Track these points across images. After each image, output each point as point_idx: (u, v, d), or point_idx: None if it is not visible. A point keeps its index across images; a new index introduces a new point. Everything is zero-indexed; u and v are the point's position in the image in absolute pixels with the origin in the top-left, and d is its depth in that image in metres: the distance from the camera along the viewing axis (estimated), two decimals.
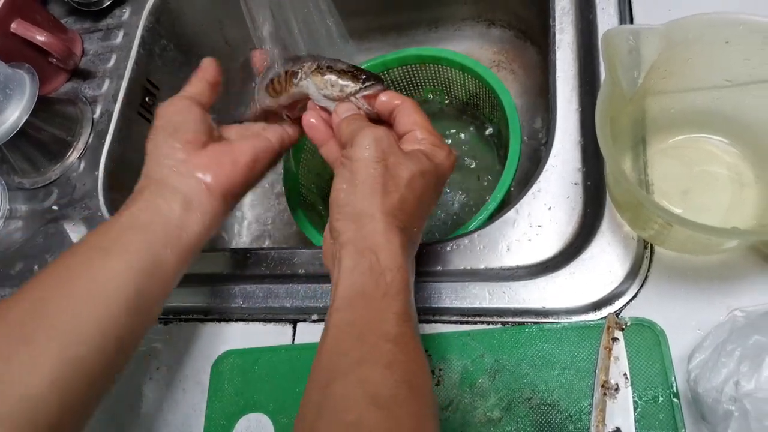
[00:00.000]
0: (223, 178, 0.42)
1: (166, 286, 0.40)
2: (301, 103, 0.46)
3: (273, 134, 0.47)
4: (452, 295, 0.45)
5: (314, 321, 0.49)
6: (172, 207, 0.40)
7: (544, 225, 0.45)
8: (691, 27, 0.38)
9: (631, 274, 0.41)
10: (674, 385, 0.38)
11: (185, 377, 0.50)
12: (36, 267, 0.59)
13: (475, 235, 0.46)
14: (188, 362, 0.51)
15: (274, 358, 0.48)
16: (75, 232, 0.59)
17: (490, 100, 0.62)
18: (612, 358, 0.39)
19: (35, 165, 0.63)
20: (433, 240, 0.48)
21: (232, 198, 0.44)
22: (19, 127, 0.57)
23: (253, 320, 0.51)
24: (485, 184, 0.68)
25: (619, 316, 0.41)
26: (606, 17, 0.50)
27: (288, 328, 0.50)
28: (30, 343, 0.34)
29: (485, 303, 0.44)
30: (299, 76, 0.44)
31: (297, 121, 0.48)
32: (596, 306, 0.42)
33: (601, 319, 0.41)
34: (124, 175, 0.64)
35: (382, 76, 0.67)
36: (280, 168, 0.64)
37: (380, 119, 0.43)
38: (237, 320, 0.51)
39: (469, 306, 0.45)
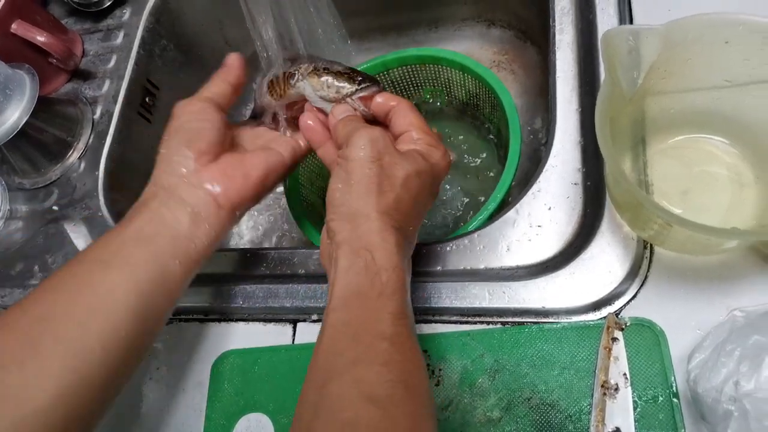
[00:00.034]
0: (233, 192, 0.42)
1: (173, 297, 0.40)
2: (298, 104, 0.46)
3: (285, 147, 0.46)
4: (452, 295, 0.45)
5: (314, 321, 0.49)
6: (180, 219, 0.40)
7: (544, 225, 0.45)
8: (691, 27, 0.38)
9: (631, 275, 0.41)
10: (674, 385, 0.38)
11: (185, 377, 0.50)
12: (36, 267, 0.59)
13: (475, 235, 0.46)
14: (188, 362, 0.51)
15: (274, 358, 0.48)
16: (75, 232, 0.59)
17: (490, 101, 0.62)
18: (612, 358, 0.39)
19: (35, 165, 0.63)
20: (433, 240, 0.48)
21: (240, 210, 0.43)
22: (20, 127, 0.57)
23: (253, 320, 0.51)
24: (485, 184, 0.68)
25: (619, 316, 0.41)
26: (606, 17, 0.50)
27: (288, 328, 0.50)
28: (36, 356, 0.34)
29: (485, 303, 0.44)
30: (296, 78, 0.44)
31: (295, 122, 0.48)
32: (596, 306, 0.42)
33: (601, 319, 0.41)
34: (125, 176, 0.64)
35: (382, 77, 0.67)
36: None
37: (376, 120, 0.43)
38: (237, 320, 0.51)
39: (469, 306, 0.45)
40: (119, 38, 0.69)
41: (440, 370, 0.43)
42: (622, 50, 0.38)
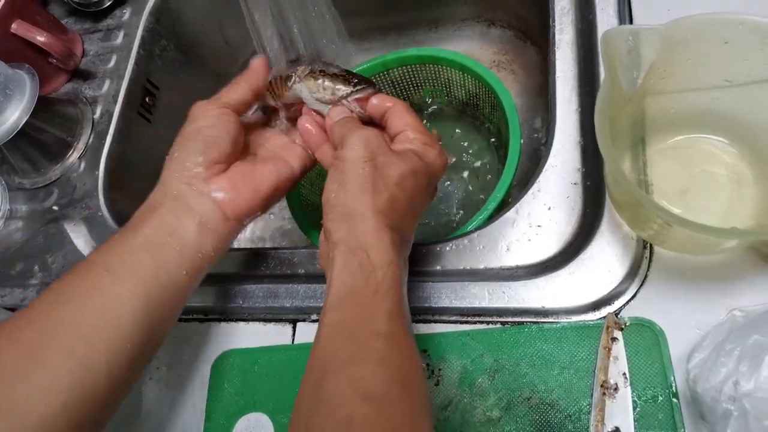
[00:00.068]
0: (242, 204, 0.42)
1: (178, 306, 0.41)
2: (296, 105, 0.47)
3: (296, 159, 0.45)
4: (452, 295, 0.45)
5: (314, 321, 0.49)
6: (188, 228, 0.40)
7: (544, 225, 0.45)
8: (691, 27, 0.38)
9: (631, 274, 0.41)
10: (673, 384, 0.38)
11: (185, 377, 0.50)
12: (36, 267, 0.59)
13: (475, 235, 0.46)
14: (188, 362, 0.51)
15: (273, 357, 0.48)
16: (75, 232, 0.59)
17: (490, 100, 0.62)
18: (611, 358, 0.39)
19: (35, 165, 0.63)
20: (433, 240, 0.48)
21: (247, 221, 0.43)
22: (20, 127, 0.57)
23: (252, 320, 0.51)
24: (485, 184, 0.68)
25: (619, 316, 0.41)
26: (605, 17, 0.50)
27: (288, 327, 0.50)
28: (41, 368, 0.34)
29: (485, 303, 0.44)
30: (293, 80, 0.44)
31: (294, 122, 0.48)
32: (595, 306, 0.42)
33: (601, 318, 0.41)
34: (125, 175, 0.64)
35: (382, 77, 0.67)
36: None
37: (373, 122, 0.43)
38: (237, 320, 0.51)
39: (469, 306, 0.45)
40: (119, 38, 0.69)
41: (440, 369, 0.43)
42: (622, 50, 0.38)
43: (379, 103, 0.42)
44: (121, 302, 0.37)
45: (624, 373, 0.39)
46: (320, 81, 0.43)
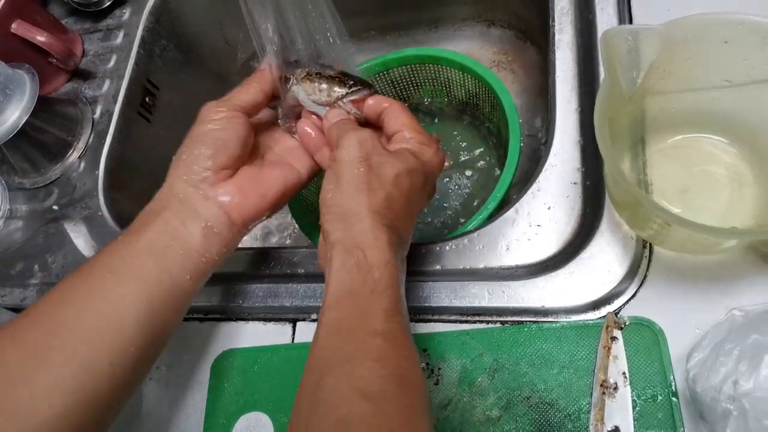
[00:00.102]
0: (248, 209, 0.42)
1: (181, 309, 0.41)
2: (298, 107, 0.47)
3: (303, 164, 0.45)
4: (451, 295, 0.45)
5: (314, 320, 0.49)
6: (193, 232, 0.40)
7: (544, 224, 0.45)
8: (690, 27, 0.38)
9: (630, 274, 0.41)
10: (673, 384, 0.38)
11: (185, 376, 0.50)
12: (36, 267, 0.59)
13: (475, 234, 0.46)
14: (188, 362, 0.51)
15: (273, 357, 0.48)
16: (75, 231, 0.59)
17: (490, 100, 0.62)
18: (611, 357, 0.39)
19: (35, 165, 0.63)
20: (433, 239, 0.48)
21: (252, 225, 0.43)
22: (20, 127, 0.58)
23: (252, 319, 0.51)
24: (485, 183, 0.68)
25: (618, 316, 0.41)
26: (605, 17, 0.50)
27: (288, 327, 0.50)
28: (44, 370, 0.34)
29: (484, 302, 0.44)
30: (291, 82, 0.44)
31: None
32: (595, 305, 0.42)
33: (600, 318, 0.41)
34: (125, 175, 0.64)
35: (382, 76, 0.67)
36: None
37: (370, 123, 0.43)
38: (237, 319, 0.52)
39: (469, 305, 0.45)
40: (119, 38, 0.69)
41: (439, 369, 0.43)
42: (622, 50, 0.38)
43: (375, 103, 0.42)
44: (124, 305, 0.37)
45: (623, 373, 0.39)
46: (316, 83, 0.43)
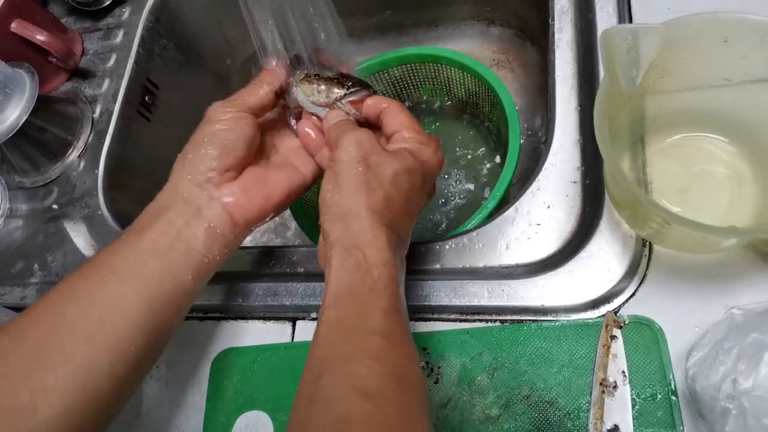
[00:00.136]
0: (252, 211, 0.42)
1: (182, 309, 0.41)
2: (300, 108, 0.47)
3: (308, 166, 0.45)
4: (451, 293, 0.45)
5: (313, 319, 0.49)
6: (196, 233, 0.40)
7: (543, 223, 0.45)
8: (690, 26, 0.38)
9: (630, 273, 0.41)
10: (672, 382, 0.38)
11: (185, 375, 0.50)
12: (36, 266, 0.59)
13: (475, 233, 0.46)
14: (187, 360, 0.51)
15: (273, 356, 0.48)
16: (75, 230, 0.59)
17: (490, 99, 0.62)
18: (610, 356, 0.39)
19: (35, 164, 0.63)
20: (432, 238, 0.48)
21: (255, 226, 0.43)
22: (19, 126, 0.58)
23: (252, 318, 0.51)
24: (484, 182, 0.68)
25: (618, 314, 0.41)
26: (605, 16, 0.50)
27: (287, 326, 0.50)
28: (44, 369, 0.34)
29: (484, 301, 0.44)
30: (290, 84, 0.44)
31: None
32: (595, 304, 0.42)
33: (600, 317, 0.41)
34: (124, 174, 0.64)
35: (382, 76, 0.67)
36: None
37: (370, 123, 0.43)
38: (236, 318, 0.52)
39: (468, 304, 0.45)
40: (119, 37, 0.69)
41: (439, 368, 0.43)
42: (621, 49, 0.38)
43: (374, 104, 0.43)
44: (125, 306, 0.37)
45: (623, 371, 0.39)
46: (315, 85, 0.43)
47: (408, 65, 0.66)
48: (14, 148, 0.61)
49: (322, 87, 0.43)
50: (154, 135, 0.68)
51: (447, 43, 0.76)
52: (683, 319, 0.39)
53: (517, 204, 0.46)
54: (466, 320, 0.45)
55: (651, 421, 0.37)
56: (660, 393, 0.38)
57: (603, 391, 0.39)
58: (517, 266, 0.44)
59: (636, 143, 0.45)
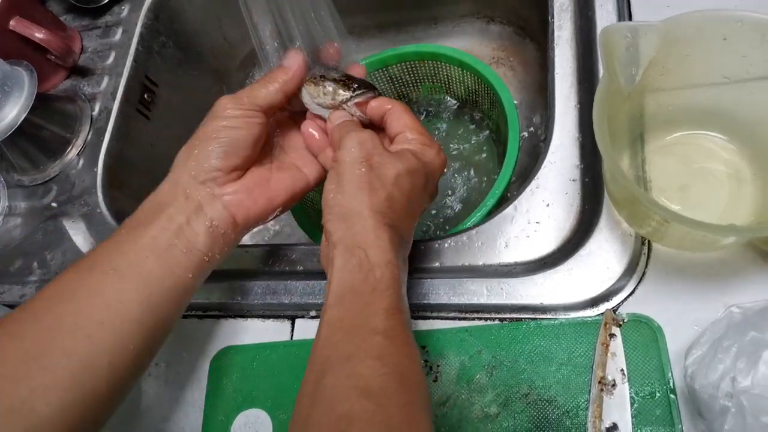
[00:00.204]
0: (254, 212, 0.42)
1: (181, 307, 0.41)
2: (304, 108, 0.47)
3: (312, 169, 0.45)
4: (450, 292, 0.45)
5: (312, 317, 0.49)
6: (197, 231, 0.39)
7: (542, 221, 0.45)
8: (690, 24, 0.38)
9: (629, 271, 0.41)
10: (671, 381, 0.38)
11: (184, 373, 0.50)
12: (35, 264, 0.59)
13: (474, 231, 0.46)
14: (187, 359, 0.51)
15: (272, 354, 0.48)
16: (74, 229, 0.59)
17: (489, 97, 0.62)
18: (609, 354, 0.39)
19: (34, 162, 0.63)
20: (432, 236, 0.48)
21: (255, 226, 0.43)
22: (18, 124, 0.57)
23: (251, 316, 0.51)
24: (484, 180, 0.68)
25: (617, 313, 0.41)
26: (604, 14, 0.50)
27: (286, 324, 0.50)
28: (43, 367, 0.34)
29: (483, 299, 0.44)
30: None
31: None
32: (594, 302, 0.42)
33: (599, 315, 0.41)
34: (123, 172, 0.64)
35: (381, 73, 0.67)
36: None
37: (373, 125, 0.43)
38: (235, 316, 0.52)
39: (467, 302, 0.45)
40: (118, 35, 0.69)
41: (438, 366, 0.43)
42: (621, 47, 0.38)
43: (378, 105, 0.42)
44: (125, 303, 0.37)
45: (622, 370, 0.39)
46: (321, 87, 0.43)
47: (407, 63, 0.66)
48: (13, 146, 0.61)
49: (329, 88, 0.43)
50: (153, 133, 0.68)
51: (446, 41, 0.76)
52: (682, 317, 0.39)
53: (516, 202, 0.46)
54: (465, 318, 0.45)
55: (650, 420, 0.37)
56: (659, 391, 0.38)
57: (602, 390, 0.39)
58: (516, 264, 0.44)
59: (635, 141, 0.45)
